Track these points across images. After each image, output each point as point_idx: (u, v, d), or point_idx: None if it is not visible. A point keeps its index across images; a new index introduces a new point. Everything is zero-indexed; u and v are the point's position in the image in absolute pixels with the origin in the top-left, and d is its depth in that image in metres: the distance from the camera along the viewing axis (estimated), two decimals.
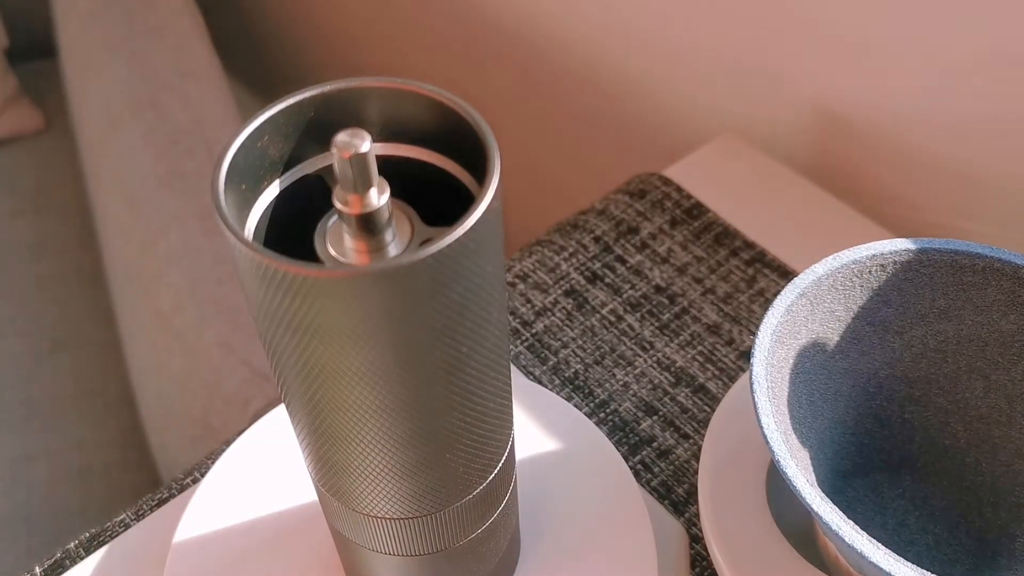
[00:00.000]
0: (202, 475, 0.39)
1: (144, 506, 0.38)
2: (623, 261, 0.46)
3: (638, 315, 0.44)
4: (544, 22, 0.66)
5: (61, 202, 0.95)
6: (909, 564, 0.25)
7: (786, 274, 0.45)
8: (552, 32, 0.65)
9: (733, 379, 0.41)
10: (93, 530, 0.38)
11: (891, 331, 0.32)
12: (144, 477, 0.76)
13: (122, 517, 0.38)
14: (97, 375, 0.83)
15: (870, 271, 0.31)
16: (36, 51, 1.07)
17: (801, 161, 0.53)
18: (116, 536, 0.37)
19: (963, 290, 0.31)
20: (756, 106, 0.54)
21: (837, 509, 0.26)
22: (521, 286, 0.45)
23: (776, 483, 0.34)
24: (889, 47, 0.45)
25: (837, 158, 0.52)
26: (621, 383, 0.41)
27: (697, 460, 0.39)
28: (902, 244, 0.31)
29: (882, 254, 0.31)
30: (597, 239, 0.47)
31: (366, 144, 0.20)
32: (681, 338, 0.43)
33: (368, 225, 0.22)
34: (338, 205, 0.21)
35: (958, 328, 0.32)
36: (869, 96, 0.48)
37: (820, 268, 0.31)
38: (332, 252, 0.22)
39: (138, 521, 0.38)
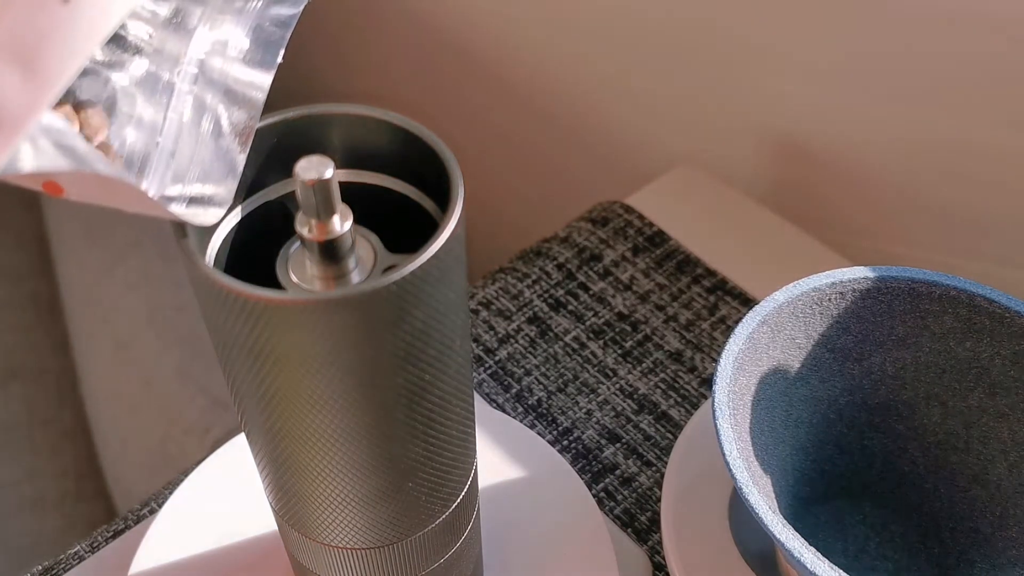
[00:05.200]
0: (159, 506, 0.38)
1: (99, 538, 0.38)
2: (586, 288, 0.46)
3: (601, 342, 0.44)
4: (509, 52, 0.66)
5: (16, 228, 0.94)
6: None
7: (747, 302, 0.45)
8: (516, 61, 0.66)
9: (696, 406, 0.42)
10: (46, 563, 0.37)
11: (850, 358, 0.33)
12: (99, 508, 0.75)
13: (76, 549, 0.37)
14: (51, 404, 0.81)
15: (830, 299, 0.32)
16: None
17: (760, 190, 0.53)
18: (70, 569, 0.36)
19: (920, 317, 0.32)
20: (716, 135, 0.55)
21: (799, 536, 0.26)
22: (484, 313, 0.45)
23: (738, 510, 0.34)
24: (845, 77, 0.46)
25: (796, 187, 0.52)
26: (584, 411, 0.41)
27: (660, 488, 0.39)
28: (861, 272, 0.32)
29: (841, 282, 0.31)
30: (560, 266, 0.47)
31: (329, 171, 0.20)
32: (644, 365, 0.43)
33: (330, 252, 0.22)
34: (300, 231, 0.21)
35: (916, 355, 0.32)
36: (827, 126, 0.49)
37: (781, 296, 0.31)
38: (294, 279, 0.22)
39: (93, 553, 0.37)
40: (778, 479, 0.32)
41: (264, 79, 0.21)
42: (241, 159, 0.22)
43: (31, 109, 0.16)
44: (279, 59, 0.22)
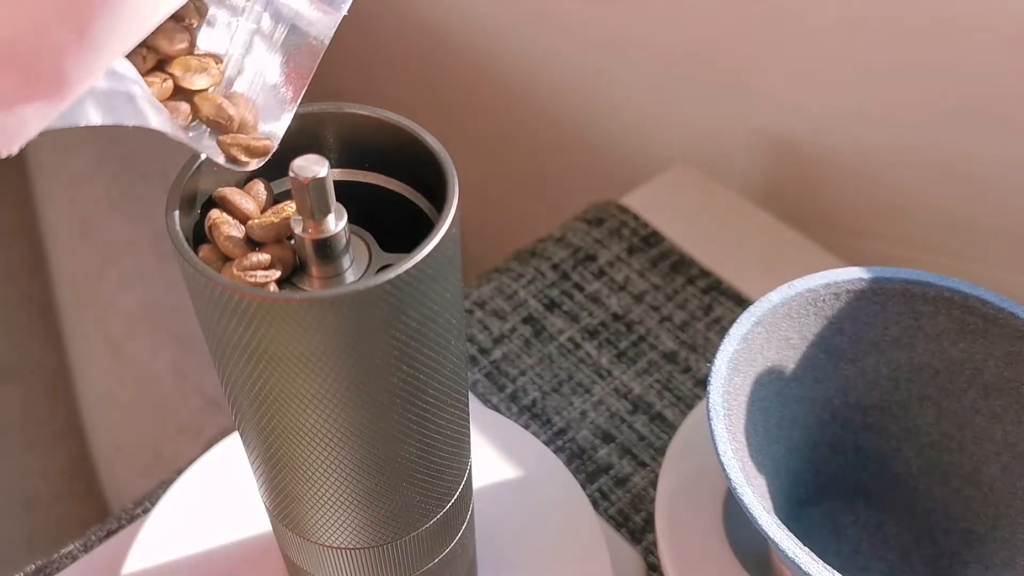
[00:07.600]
0: (152, 505, 0.38)
1: (92, 537, 0.38)
2: (581, 288, 0.46)
3: (596, 342, 0.44)
4: (503, 51, 0.66)
5: (10, 226, 0.93)
6: None
7: (742, 302, 0.45)
8: (511, 61, 0.66)
9: (690, 407, 0.42)
10: (39, 562, 0.37)
11: (845, 359, 0.33)
12: (92, 508, 0.75)
13: (69, 549, 0.37)
14: (45, 403, 0.81)
15: (824, 299, 0.32)
16: None
17: (756, 191, 0.53)
18: (63, 569, 0.36)
19: (915, 318, 0.32)
20: (712, 135, 0.55)
21: (793, 536, 0.26)
22: (479, 313, 0.45)
23: (733, 511, 0.34)
24: (840, 78, 0.46)
25: (791, 188, 0.52)
26: (579, 411, 0.41)
27: (654, 488, 0.39)
28: (855, 273, 0.32)
29: (836, 283, 0.32)
30: (555, 266, 0.47)
31: (324, 170, 0.20)
32: (638, 365, 0.43)
33: (325, 251, 0.21)
34: (295, 230, 0.21)
35: (910, 356, 0.32)
36: (821, 127, 0.49)
37: (775, 296, 0.31)
38: None
39: (86, 553, 0.37)
40: (772, 480, 0.32)
41: (330, 23, 0.21)
42: (293, 106, 0.21)
43: (85, 73, 0.16)
44: (346, 9, 0.21)
